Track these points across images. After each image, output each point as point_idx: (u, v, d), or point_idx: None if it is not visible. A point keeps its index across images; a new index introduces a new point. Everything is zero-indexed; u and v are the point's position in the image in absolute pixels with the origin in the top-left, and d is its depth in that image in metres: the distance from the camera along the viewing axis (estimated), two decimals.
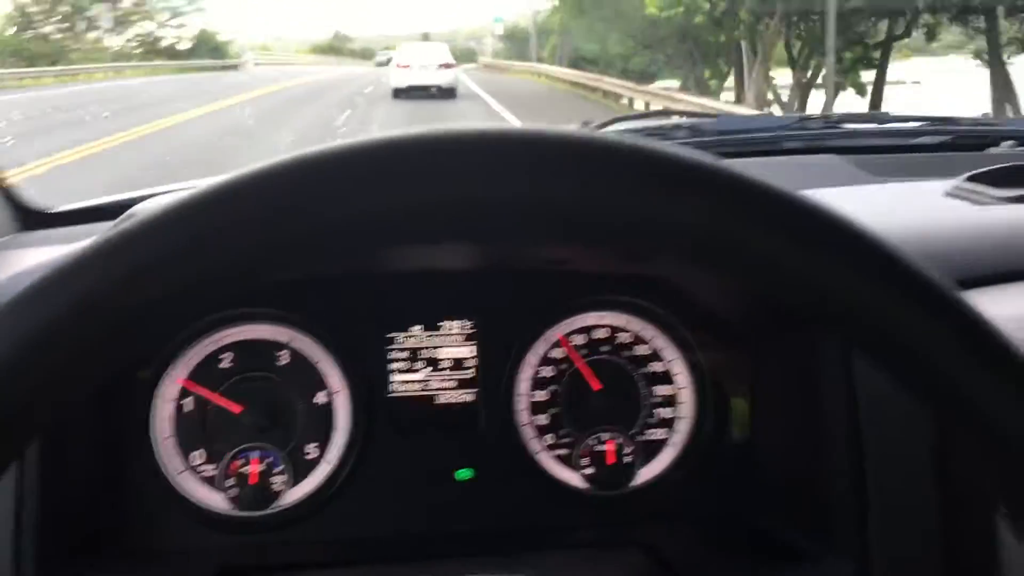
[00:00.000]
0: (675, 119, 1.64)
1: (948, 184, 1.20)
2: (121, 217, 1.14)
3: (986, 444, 0.43)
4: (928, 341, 0.42)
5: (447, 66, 25.10)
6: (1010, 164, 1.21)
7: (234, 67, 51.38)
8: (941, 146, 1.45)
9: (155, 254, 0.40)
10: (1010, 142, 1.42)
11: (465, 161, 0.41)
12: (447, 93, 24.45)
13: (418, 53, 25.77)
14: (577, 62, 33.69)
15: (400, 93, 23.87)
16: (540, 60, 43.16)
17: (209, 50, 54.24)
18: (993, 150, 1.42)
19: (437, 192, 0.41)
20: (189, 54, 51.69)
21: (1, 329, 0.39)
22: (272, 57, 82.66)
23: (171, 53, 50.87)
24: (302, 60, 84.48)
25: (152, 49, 50.34)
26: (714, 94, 23.47)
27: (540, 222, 0.43)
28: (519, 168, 0.41)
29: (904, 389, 0.45)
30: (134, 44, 50.07)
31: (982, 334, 0.43)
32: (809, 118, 1.52)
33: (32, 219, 1.25)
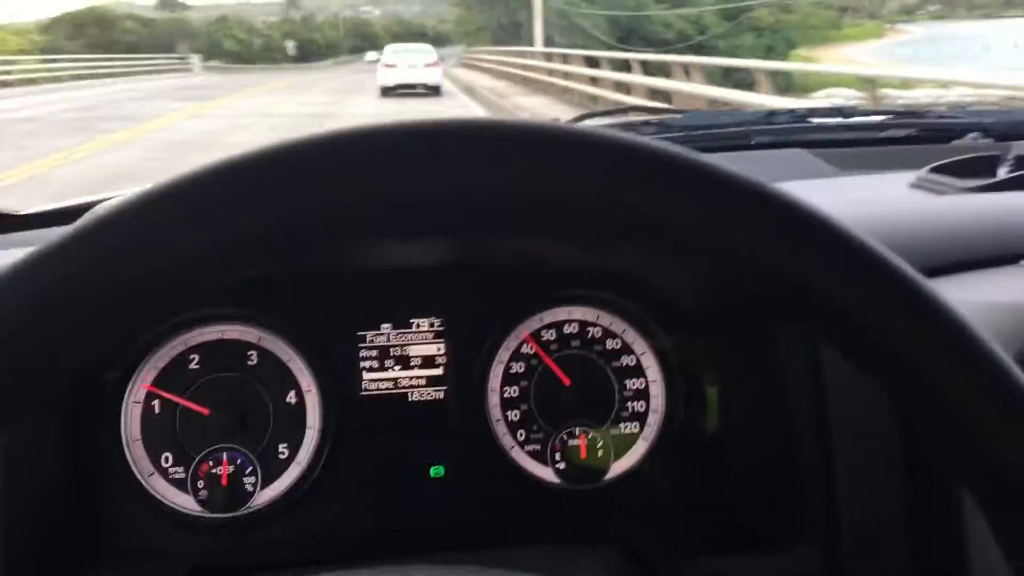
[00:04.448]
0: (642, 116, 1.73)
1: (912, 176, 1.29)
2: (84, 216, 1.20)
3: (958, 434, 0.47)
4: (902, 334, 0.46)
5: (432, 65, 29.16)
6: (973, 155, 1.31)
7: None
8: (907, 139, 1.55)
9: (110, 249, 0.43)
10: (975, 134, 1.53)
11: (441, 152, 0.45)
12: (432, 90, 28.51)
13: (404, 53, 30.10)
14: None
15: (388, 91, 28.30)
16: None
17: None
18: (958, 142, 1.53)
19: (419, 184, 0.44)
20: None
21: None
22: None
23: None
24: None
25: None
26: None
27: (510, 213, 0.46)
28: (494, 159, 0.45)
29: (873, 379, 0.48)
30: None
31: (951, 324, 0.45)
32: (776, 112, 1.62)
33: (1, 223, 1.30)
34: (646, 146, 0.46)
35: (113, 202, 0.45)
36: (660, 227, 0.46)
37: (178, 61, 64.63)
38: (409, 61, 29.62)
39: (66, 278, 0.43)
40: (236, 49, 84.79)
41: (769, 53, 28.15)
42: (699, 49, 25.83)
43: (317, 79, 41.64)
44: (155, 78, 48.78)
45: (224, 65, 74.52)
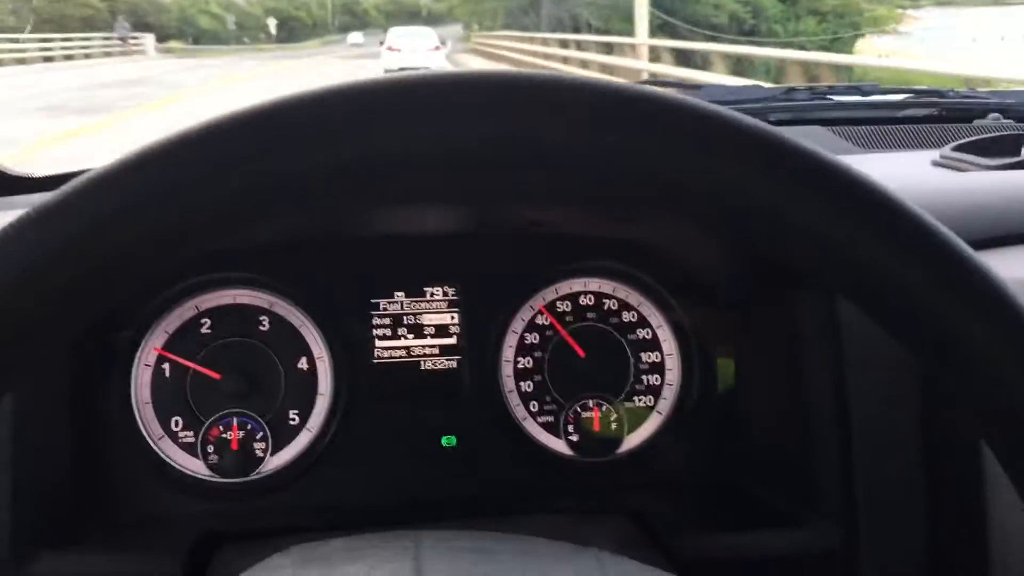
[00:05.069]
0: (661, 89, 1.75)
1: (934, 154, 1.32)
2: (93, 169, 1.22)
3: (987, 400, 0.48)
4: (948, 302, 0.47)
5: (435, 49, 30.99)
6: (995, 134, 1.33)
7: None
8: (927, 118, 1.59)
9: (117, 204, 0.44)
10: (996, 114, 1.56)
11: (482, 105, 0.45)
12: None
13: (408, 37, 32.96)
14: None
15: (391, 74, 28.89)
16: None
17: None
18: (979, 122, 1.56)
19: (467, 133, 0.45)
20: None
21: None
22: None
23: None
24: None
25: None
26: None
27: (552, 175, 0.47)
28: (534, 113, 0.45)
29: (901, 342, 0.49)
30: None
31: (987, 285, 0.47)
32: (796, 89, 1.65)
33: (9, 185, 1.32)
34: (711, 110, 0.46)
35: (121, 156, 0.45)
36: (709, 191, 0.47)
37: (119, 43, 52.07)
38: (412, 45, 31.89)
39: (73, 233, 0.43)
40: (211, 27, 77.00)
41: (835, 43, 25.23)
42: (752, 36, 23.55)
43: (296, 66, 35.63)
44: (79, 65, 39.02)
45: (187, 47, 64.94)
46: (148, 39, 56.14)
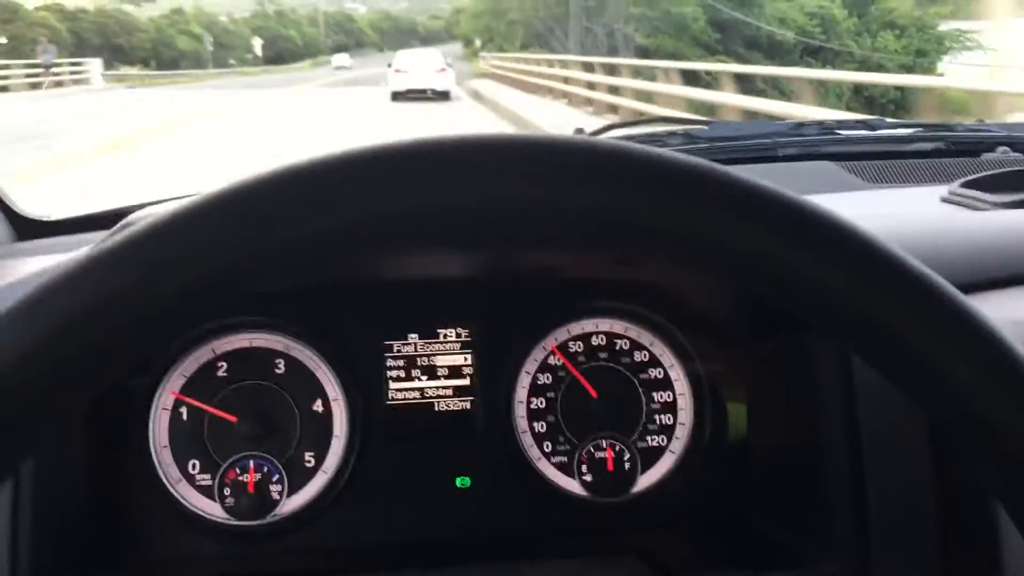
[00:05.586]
0: (668, 126, 1.80)
1: (943, 190, 1.35)
2: (117, 226, 1.26)
3: (988, 449, 0.49)
4: (934, 349, 0.48)
5: (441, 71, 31.86)
6: (1006, 169, 1.37)
7: None
8: (936, 152, 1.62)
9: (149, 263, 0.45)
10: (1005, 148, 1.60)
11: (469, 167, 0.48)
12: (442, 96, 30.65)
13: (414, 59, 32.82)
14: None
15: (398, 96, 30.52)
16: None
17: None
18: (988, 155, 1.60)
19: (444, 199, 0.47)
20: None
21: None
22: None
23: None
24: None
25: None
26: None
27: (540, 227, 0.49)
28: (526, 174, 0.48)
29: (902, 392, 0.51)
30: None
31: (988, 342, 0.48)
32: (804, 124, 1.69)
33: (28, 228, 1.36)
34: (679, 161, 0.49)
35: (164, 209, 0.47)
36: (692, 242, 0.49)
37: (43, 70, 42.65)
38: (419, 67, 31.94)
39: (115, 287, 0.45)
40: (191, 48, 72.36)
41: (920, 59, 23.60)
42: (818, 53, 21.55)
43: (258, 103, 30.68)
44: None
45: (147, 73, 58.87)
46: (93, 65, 49.86)
